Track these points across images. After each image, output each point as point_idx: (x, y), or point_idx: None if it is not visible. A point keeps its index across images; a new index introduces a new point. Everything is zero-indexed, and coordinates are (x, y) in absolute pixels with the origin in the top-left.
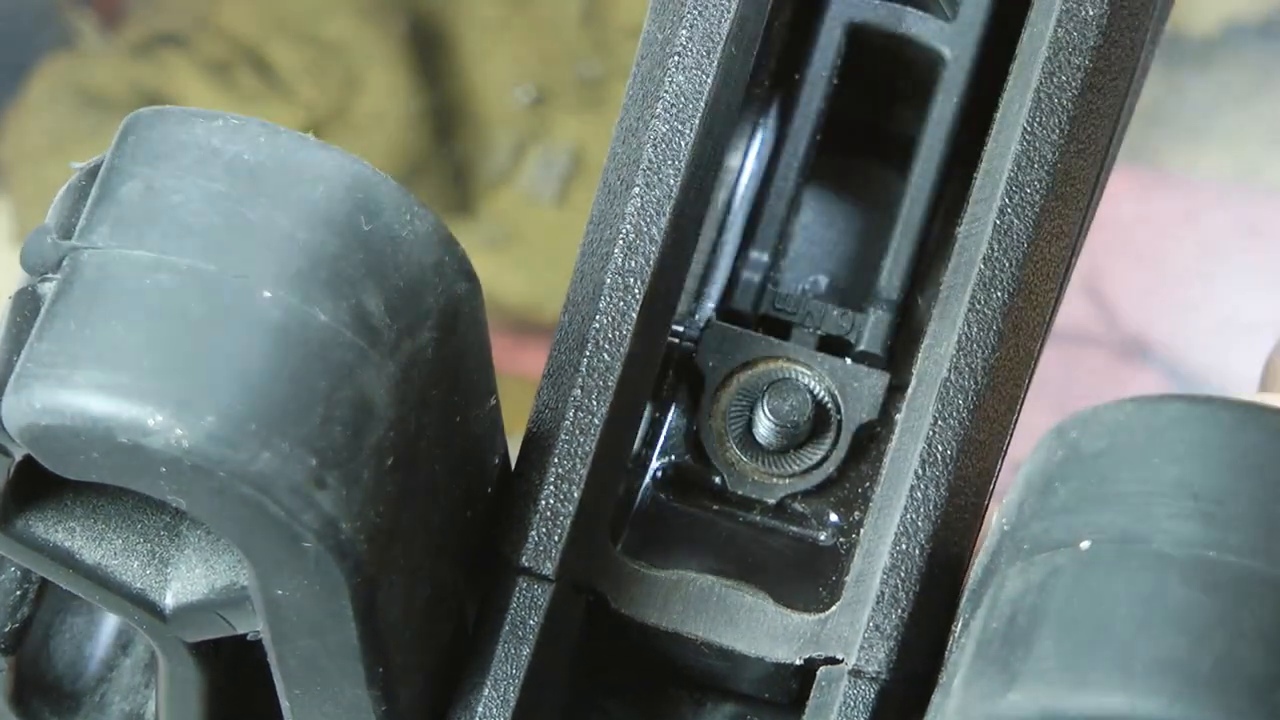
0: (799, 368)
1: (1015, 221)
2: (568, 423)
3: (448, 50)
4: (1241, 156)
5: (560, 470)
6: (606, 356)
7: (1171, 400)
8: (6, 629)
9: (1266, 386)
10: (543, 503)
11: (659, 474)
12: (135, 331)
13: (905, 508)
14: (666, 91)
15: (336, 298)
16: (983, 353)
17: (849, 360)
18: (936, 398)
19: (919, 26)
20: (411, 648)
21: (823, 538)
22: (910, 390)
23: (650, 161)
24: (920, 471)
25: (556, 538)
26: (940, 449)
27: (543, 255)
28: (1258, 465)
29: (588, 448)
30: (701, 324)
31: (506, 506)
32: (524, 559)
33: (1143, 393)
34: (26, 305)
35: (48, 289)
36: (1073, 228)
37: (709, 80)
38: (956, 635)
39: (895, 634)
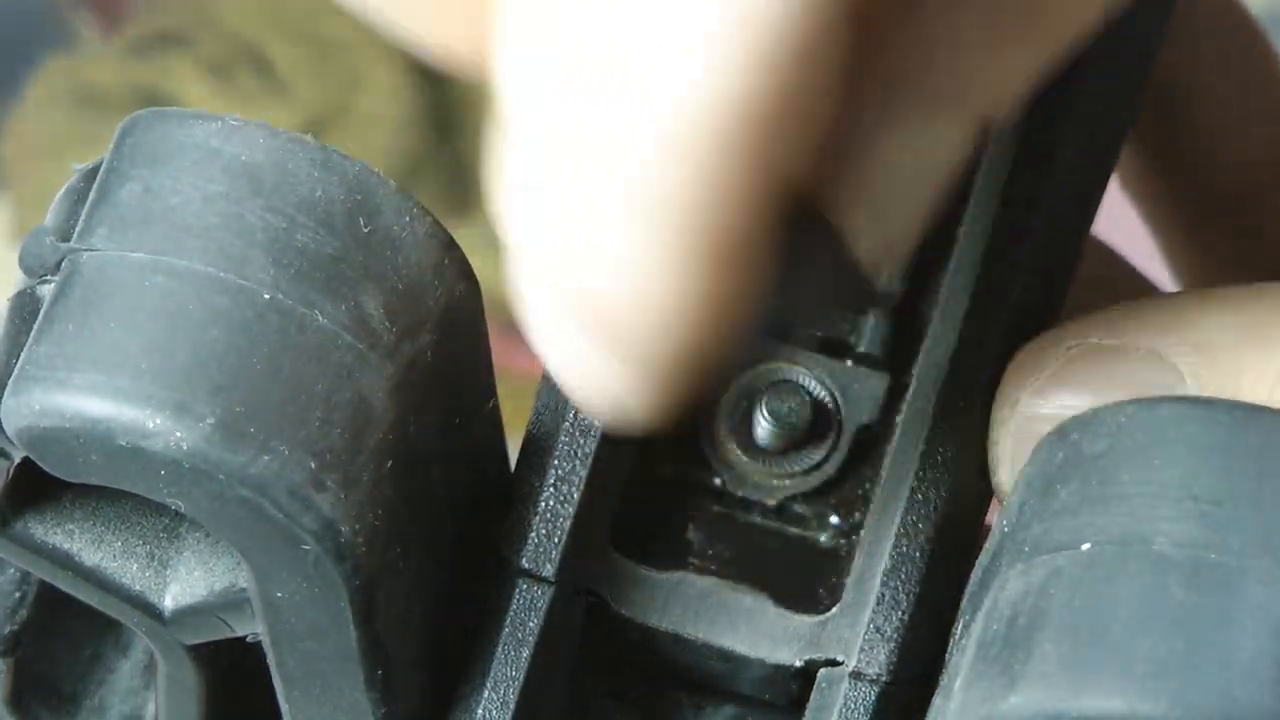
0: (798, 369)
1: (1016, 222)
2: (567, 424)
3: None
4: None
5: (560, 472)
6: None
7: (1172, 401)
8: (5, 631)
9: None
10: (542, 504)
11: (659, 475)
12: (134, 334)
13: (906, 509)
14: None
15: (335, 300)
16: (983, 353)
17: (849, 362)
18: (937, 399)
19: None
20: (411, 649)
21: (823, 539)
22: (910, 391)
23: None
24: (921, 473)
25: (556, 539)
26: (941, 450)
27: None
28: (1258, 466)
29: (588, 449)
30: None
31: (506, 508)
32: (524, 560)
33: None
34: (25, 307)
35: (46, 291)
36: (1074, 228)
37: None
38: (957, 637)
39: (896, 636)
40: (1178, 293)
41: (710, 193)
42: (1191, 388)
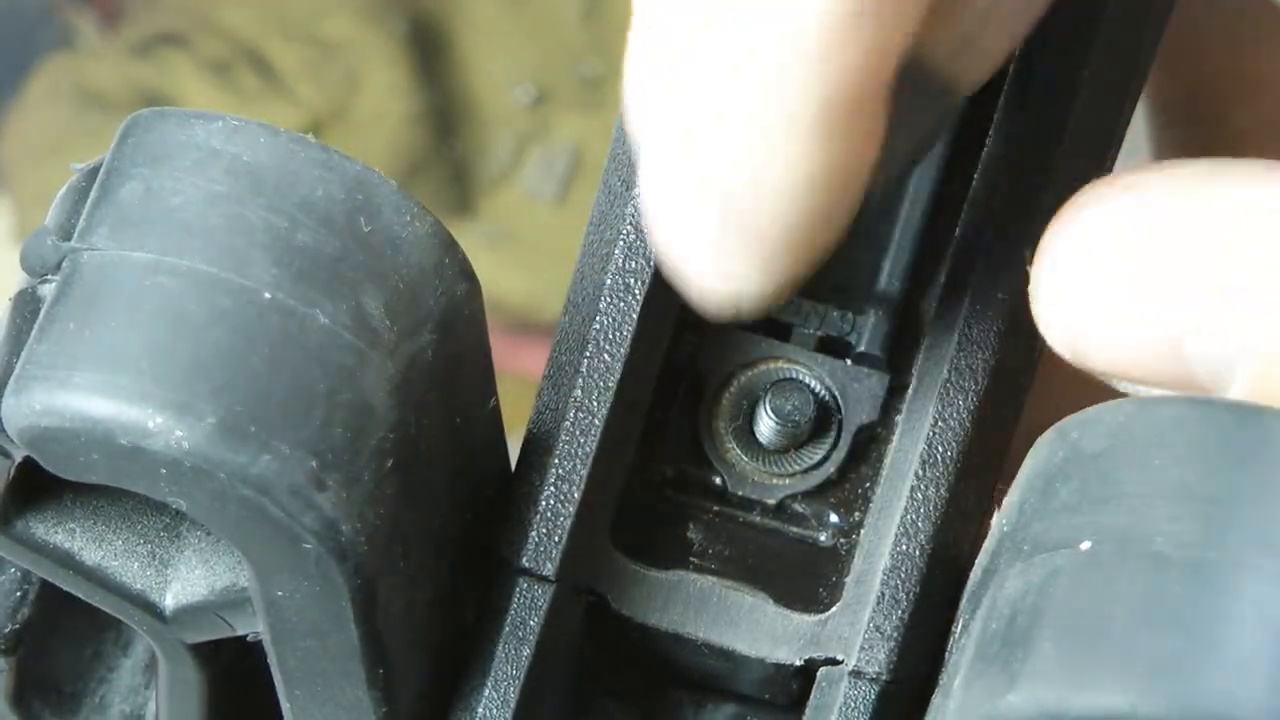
0: (799, 368)
1: (1015, 222)
2: (568, 423)
3: (448, 50)
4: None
5: (560, 471)
6: (607, 358)
7: (1172, 401)
8: (7, 630)
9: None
10: (543, 503)
11: (659, 475)
12: (135, 333)
13: (905, 509)
14: None
15: (336, 299)
16: (983, 353)
17: (849, 361)
18: (937, 398)
19: None
20: (412, 648)
21: (823, 538)
22: (910, 391)
23: None
24: (920, 472)
25: (557, 538)
26: (940, 450)
27: (543, 255)
28: (1258, 466)
29: (588, 448)
30: (702, 325)
31: (507, 507)
32: (524, 560)
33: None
34: (26, 306)
35: (48, 290)
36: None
37: None
38: (956, 636)
39: (895, 635)
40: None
41: (835, 63)
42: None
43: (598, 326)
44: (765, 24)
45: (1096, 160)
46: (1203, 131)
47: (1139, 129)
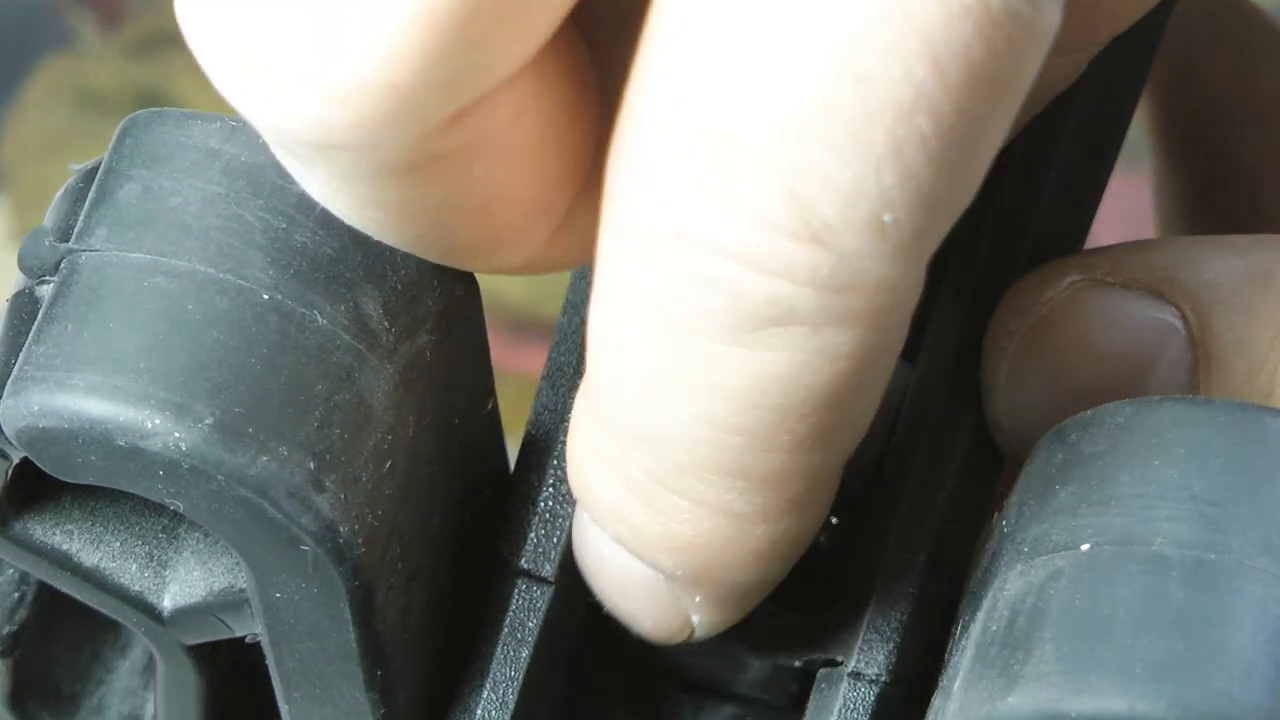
0: None
1: (1015, 221)
2: (567, 424)
3: None
4: None
5: (559, 472)
6: None
7: (1171, 402)
8: (4, 632)
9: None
10: (542, 504)
11: None
12: (133, 334)
13: (906, 509)
14: None
15: (335, 300)
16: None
17: None
18: (939, 397)
19: None
20: (410, 650)
21: (822, 539)
22: (911, 389)
23: None
24: (922, 472)
25: (556, 539)
26: (942, 449)
27: None
28: (1258, 466)
29: None
30: None
31: (505, 508)
32: (523, 561)
33: None
34: (24, 308)
35: (45, 291)
36: (1076, 226)
37: None
38: (956, 637)
39: (894, 636)
40: (1185, 237)
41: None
42: (1194, 329)
43: None
44: None
45: (1100, 160)
46: (1207, 161)
47: (1137, 130)
